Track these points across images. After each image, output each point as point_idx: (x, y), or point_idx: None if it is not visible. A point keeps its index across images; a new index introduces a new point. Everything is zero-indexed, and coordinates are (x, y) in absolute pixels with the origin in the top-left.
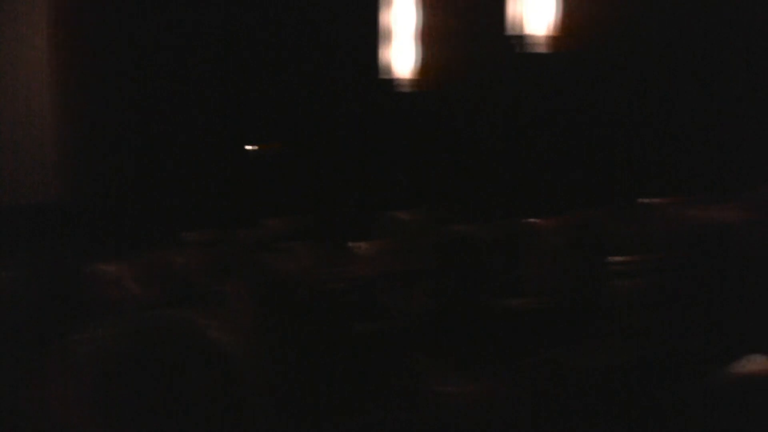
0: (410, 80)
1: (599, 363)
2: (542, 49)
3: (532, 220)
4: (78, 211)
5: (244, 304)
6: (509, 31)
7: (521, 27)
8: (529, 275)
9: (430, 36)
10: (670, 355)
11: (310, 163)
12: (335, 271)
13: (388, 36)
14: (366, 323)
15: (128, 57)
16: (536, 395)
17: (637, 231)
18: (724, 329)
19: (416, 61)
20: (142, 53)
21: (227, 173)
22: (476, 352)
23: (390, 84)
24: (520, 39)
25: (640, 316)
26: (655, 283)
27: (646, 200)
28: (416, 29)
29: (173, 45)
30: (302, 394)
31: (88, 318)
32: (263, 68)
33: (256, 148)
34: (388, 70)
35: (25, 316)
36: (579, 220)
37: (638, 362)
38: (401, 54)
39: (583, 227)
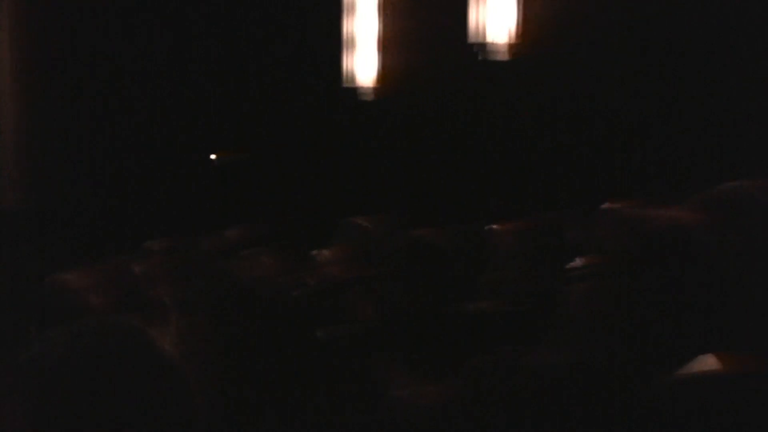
0: (373, 88)
1: (553, 363)
2: (504, 57)
3: (495, 224)
4: (40, 218)
5: (204, 311)
6: (471, 39)
7: (483, 35)
8: (491, 279)
9: (392, 44)
10: (624, 356)
11: (273, 171)
12: (297, 278)
13: (352, 44)
14: (328, 329)
15: (93, 65)
16: (490, 395)
17: (596, 234)
18: (679, 329)
19: (379, 69)
20: (107, 61)
21: (190, 181)
22: (438, 355)
23: (353, 92)
24: (482, 46)
25: (595, 317)
26: (611, 285)
27: (609, 204)
28: (379, 37)
29: (138, 53)
30: (264, 399)
31: (45, 326)
32: (226, 76)
33: (219, 156)
34: (352, 78)
35: None
36: (539, 225)
37: (592, 362)
38: (364, 62)
39: (542, 231)
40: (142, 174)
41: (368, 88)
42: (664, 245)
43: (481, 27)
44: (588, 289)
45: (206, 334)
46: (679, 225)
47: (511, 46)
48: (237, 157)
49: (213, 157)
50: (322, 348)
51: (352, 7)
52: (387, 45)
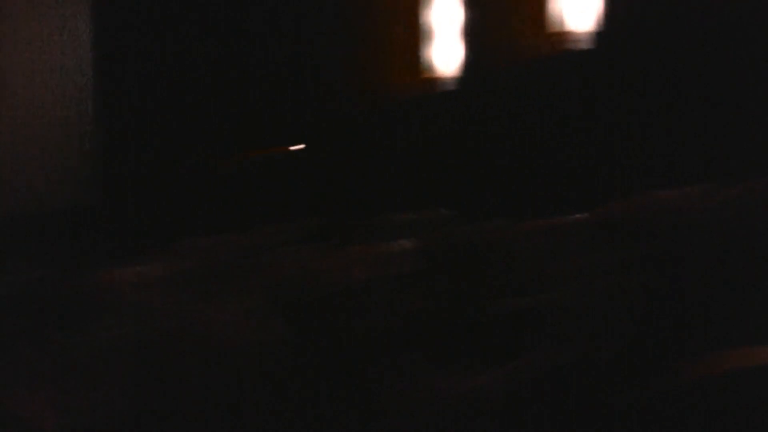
0: (450, 78)
1: (571, 361)
2: (584, 46)
3: (529, 221)
4: (85, 217)
5: (249, 306)
6: (551, 28)
7: (562, 24)
8: (523, 276)
9: (470, 34)
10: (636, 352)
11: (314, 166)
12: (335, 274)
13: (429, 35)
14: (364, 323)
15: (138, 67)
16: (517, 394)
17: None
18: (694, 325)
19: (457, 59)
20: (151, 62)
21: (233, 178)
22: (470, 352)
23: (428, 82)
24: (562, 35)
25: (619, 312)
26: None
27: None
28: (458, 27)
29: (181, 54)
30: (304, 391)
31: (94, 321)
32: (282, 69)
33: (272, 151)
34: (430, 68)
35: (29, 319)
36: (567, 222)
37: (613, 359)
38: (443, 52)
39: (573, 228)
40: (185, 172)
41: (444, 78)
42: (682, 241)
43: (562, 15)
44: (612, 285)
45: (252, 328)
46: (702, 220)
47: (592, 35)
48: (283, 152)
49: (301, 146)
50: (357, 342)
51: None
52: (464, 35)
